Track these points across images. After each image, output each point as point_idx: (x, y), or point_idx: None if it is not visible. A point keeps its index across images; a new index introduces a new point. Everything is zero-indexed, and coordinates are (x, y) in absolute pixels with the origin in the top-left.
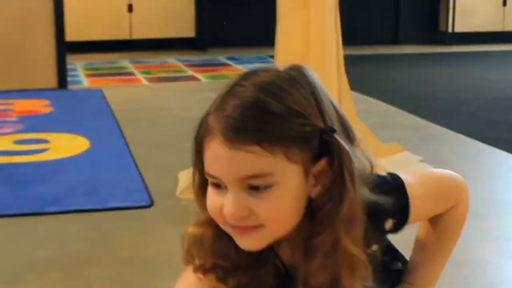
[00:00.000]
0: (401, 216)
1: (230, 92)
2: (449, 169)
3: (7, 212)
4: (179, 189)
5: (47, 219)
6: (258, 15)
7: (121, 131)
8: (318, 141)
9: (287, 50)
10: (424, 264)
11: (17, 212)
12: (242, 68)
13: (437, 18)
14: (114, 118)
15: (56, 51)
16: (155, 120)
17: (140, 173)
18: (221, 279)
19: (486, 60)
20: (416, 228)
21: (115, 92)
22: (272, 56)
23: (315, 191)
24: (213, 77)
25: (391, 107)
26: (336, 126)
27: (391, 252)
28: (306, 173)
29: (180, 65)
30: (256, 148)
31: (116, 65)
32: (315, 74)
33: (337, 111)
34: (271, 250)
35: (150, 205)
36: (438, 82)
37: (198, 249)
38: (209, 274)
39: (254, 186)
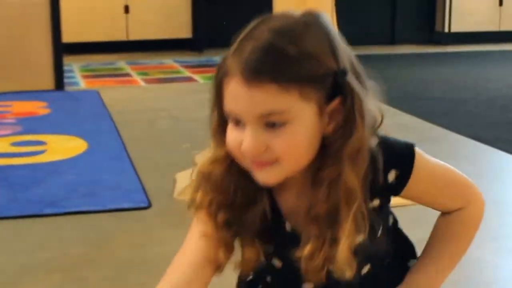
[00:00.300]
0: (403, 176)
1: (247, 36)
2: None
3: (5, 214)
4: (177, 190)
5: (45, 221)
6: (254, 16)
7: (118, 132)
8: (331, 82)
9: None
10: (427, 264)
11: (15, 214)
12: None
13: (433, 18)
14: (111, 119)
15: (53, 53)
16: (152, 121)
17: (137, 175)
18: (212, 213)
19: (483, 59)
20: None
21: (112, 94)
22: None
23: (329, 129)
24: (210, 78)
25: (388, 107)
26: (349, 70)
27: (407, 249)
28: (320, 112)
29: (177, 66)
30: (273, 87)
31: (113, 66)
32: (329, 21)
33: (350, 57)
34: (267, 196)
35: (148, 206)
36: (435, 82)
37: (204, 184)
38: (201, 210)
39: (271, 123)
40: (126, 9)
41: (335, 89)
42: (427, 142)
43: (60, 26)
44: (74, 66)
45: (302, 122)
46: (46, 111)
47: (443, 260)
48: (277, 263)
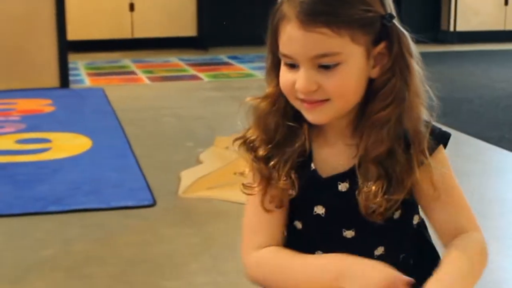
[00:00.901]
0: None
1: None
2: (451, 168)
3: (10, 212)
4: (181, 188)
5: (50, 218)
6: (259, 14)
7: (123, 130)
8: (379, 26)
9: None
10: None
11: (20, 211)
12: (244, 67)
13: (438, 17)
14: (116, 117)
15: (58, 50)
16: (157, 119)
17: (142, 172)
18: (253, 149)
19: (488, 59)
20: None
21: (117, 92)
22: None
23: (375, 72)
24: (215, 76)
25: None
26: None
27: (432, 258)
28: (368, 54)
29: (182, 64)
30: (326, 30)
31: (118, 64)
32: None
33: (392, 5)
34: (304, 135)
35: (153, 204)
36: (440, 81)
37: (253, 119)
38: (242, 146)
39: (324, 65)
40: (131, 7)
41: (381, 33)
42: None
43: (65, 24)
44: (79, 63)
45: (352, 64)
46: (50, 109)
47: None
48: (319, 210)
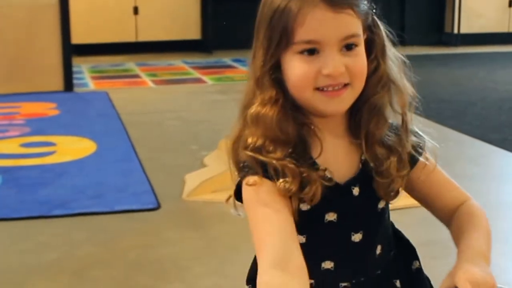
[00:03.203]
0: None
1: None
2: (455, 171)
3: (14, 215)
4: (185, 192)
5: (54, 222)
6: None
7: (127, 133)
8: (370, 17)
9: None
10: (464, 241)
11: (24, 215)
12: (248, 70)
13: (442, 20)
14: (120, 120)
15: (62, 54)
16: (161, 123)
17: (146, 176)
18: (269, 151)
19: (491, 61)
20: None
21: (121, 95)
22: None
23: None
24: (219, 79)
25: None
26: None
27: (408, 250)
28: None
29: (186, 67)
30: (351, 11)
31: (122, 67)
32: None
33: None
34: (317, 138)
35: (157, 207)
36: (444, 84)
37: (255, 127)
38: (249, 152)
39: (348, 45)
40: (135, 11)
41: (366, 24)
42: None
43: (69, 28)
44: (83, 67)
45: (362, 47)
46: (55, 112)
47: (477, 233)
48: (330, 216)
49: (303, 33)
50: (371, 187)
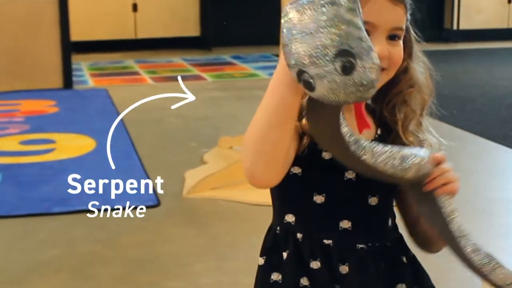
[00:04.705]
0: None
1: None
2: (455, 167)
3: (14, 213)
4: (186, 189)
5: (54, 219)
6: (262, 14)
7: (127, 131)
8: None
9: None
10: None
11: (24, 212)
12: (247, 67)
13: (442, 16)
14: (120, 118)
15: (61, 51)
16: (161, 120)
17: (146, 173)
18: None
19: (491, 57)
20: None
21: (121, 92)
22: (277, 55)
23: None
24: (218, 76)
25: None
26: None
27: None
28: None
29: (186, 64)
30: (403, 7)
31: (121, 64)
32: None
33: None
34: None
35: (157, 204)
36: (443, 80)
37: None
38: None
39: (393, 36)
40: (135, 8)
41: None
42: None
43: (68, 25)
44: (82, 64)
45: (401, 41)
46: (54, 110)
47: None
48: (350, 174)
49: (364, 14)
50: None
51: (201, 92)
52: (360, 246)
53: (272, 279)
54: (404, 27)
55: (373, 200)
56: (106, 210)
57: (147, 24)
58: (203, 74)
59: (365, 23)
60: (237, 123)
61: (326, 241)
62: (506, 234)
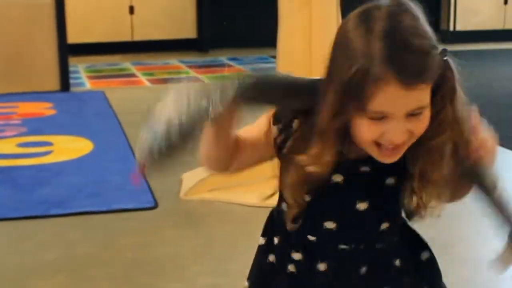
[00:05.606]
0: None
1: (392, 41)
2: None
3: (12, 215)
4: (183, 191)
5: (52, 221)
6: (259, 16)
7: (124, 132)
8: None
9: (289, 50)
10: None
11: (22, 215)
12: (244, 69)
13: (438, 17)
14: (117, 120)
15: (58, 54)
16: None
17: (144, 175)
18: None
19: (487, 58)
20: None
21: (118, 94)
22: (274, 57)
23: None
24: (215, 78)
25: None
26: None
27: (417, 242)
28: None
29: (182, 66)
30: (423, 86)
31: (118, 67)
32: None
33: None
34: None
35: (155, 206)
36: None
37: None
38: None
39: (414, 114)
40: (131, 10)
41: None
42: None
43: (65, 27)
44: (79, 67)
45: (428, 109)
46: (51, 112)
47: None
48: (337, 178)
49: (375, 105)
50: (383, 166)
51: None
52: (342, 247)
53: (269, 260)
54: (428, 101)
55: (361, 205)
56: (103, 212)
57: (144, 26)
58: (200, 76)
59: (377, 112)
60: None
61: (310, 237)
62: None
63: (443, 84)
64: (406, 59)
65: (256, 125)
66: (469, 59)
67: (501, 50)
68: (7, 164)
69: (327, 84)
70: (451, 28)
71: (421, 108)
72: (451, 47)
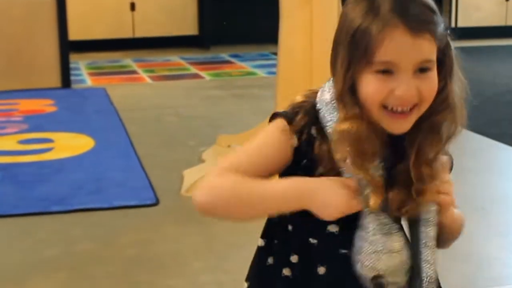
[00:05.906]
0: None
1: None
2: (454, 164)
3: (13, 212)
4: (184, 187)
5: (53, 218)
6: (260, 13)
7: (125, 129)
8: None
9: (291, 47)
10: None
11: (22, 212)
12: (246, 65)
13: (440, 13)
14: (118, 116)
15: (59, 50)
16: (159, 118)
17: (145, 172)
18: (360, 166)
19: (489, 55)
20: None
21: (119, 91)
22: (275, 53)
23: None
24: (216, 75)
25: None
26: None
27: None
28: None
29: (184, 63)
30: (429, 37)
31: (119, 63)
32: None
33: None
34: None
35: (156, 203)
36: None
37: (342, 143)
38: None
39: (422, 69)
40: (132, 7)
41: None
42: None
43: (66, 24)
44: (80, 63)
45: (434, 70)
46: (53, 109)
47: None
48: None
49: (382, 54)
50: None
51: (199, 90)
52: (343, 251)
53: (268, 262)
54: (434, 57)
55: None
56: (104, 208)
57: (145, 23)
58: (201, 73)
59: (386, 63)
60: (236, 121)
61: (311, 240)
62: (505, 232)
63: (444, 59)
64: (412, 9)
65: (263, 145)
66: (471, 56)
67: (502, 47)
68: (9, 161)
69: (335, 53)
70: (453, 25)
71: (428, 61)
72: (453, 44)
